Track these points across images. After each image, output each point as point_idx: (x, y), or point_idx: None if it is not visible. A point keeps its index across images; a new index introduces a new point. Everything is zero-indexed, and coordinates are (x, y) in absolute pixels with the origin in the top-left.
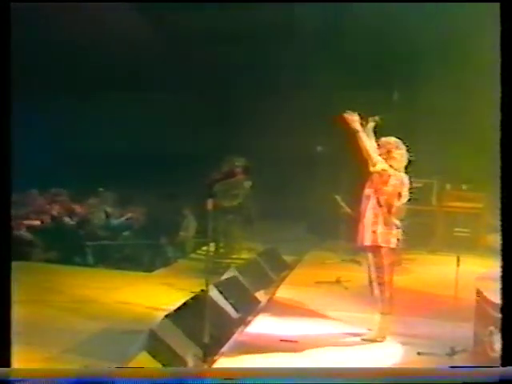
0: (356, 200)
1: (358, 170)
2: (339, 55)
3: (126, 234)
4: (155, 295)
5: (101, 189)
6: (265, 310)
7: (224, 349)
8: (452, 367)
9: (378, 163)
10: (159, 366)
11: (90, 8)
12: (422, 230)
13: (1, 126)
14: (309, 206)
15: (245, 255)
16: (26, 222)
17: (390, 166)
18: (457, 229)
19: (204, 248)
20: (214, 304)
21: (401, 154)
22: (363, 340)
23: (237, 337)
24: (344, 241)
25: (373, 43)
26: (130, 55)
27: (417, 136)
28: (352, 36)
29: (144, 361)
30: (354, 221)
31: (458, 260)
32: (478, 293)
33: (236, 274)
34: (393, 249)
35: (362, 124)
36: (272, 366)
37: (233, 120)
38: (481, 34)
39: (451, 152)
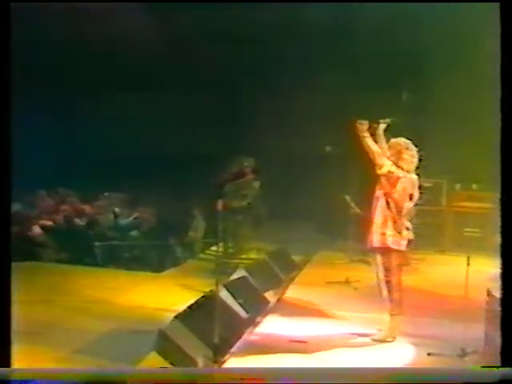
0: (365, 200)
1: (367, 170)
2: (349, 55)
3: (134, 234)
4: (165, 295)
5: (106, 193)
6: (274, 310)
7: (233, 349)
8: (452, 367)
9: (384, 166)
10: (169, 366)
11: (89, 8)
12: (432, 229)
13: (0, 127)
14: (318, 206)
15: (254, 255)
16: (37, 223)
17: (400, 167)
18: (466, 229)
19: (213, 248)
20: (224, 304)
21: (411, 155)
22: (373, 340)
23: (246, 337)
24: (353, 241)
25: (382, 43)
26: (137, 55)
27: (427, 136)
28: (362, 36)
29: (154, 361)
30: (364, 221)
31: (469, 260)
32: (489, 293)
33: (245, 274)
34: (402, 251)
35: (372, 127)
36: (281, 366)
37: (242, 120)
38: (494, 33)
39: (461, 152)
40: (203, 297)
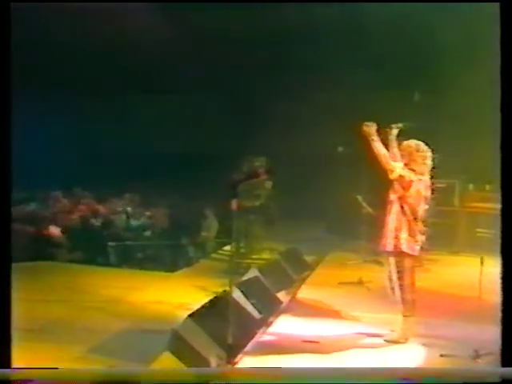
0: (377, 200)
1: (379, 170)
2: (362, 56)
3: (147, 234)
4: (178, 295)
5: (126, 194)
6: (286, 310)
7: (246, 349)
8: (452, 367)
9: (395, 170)
10: (182, 366)
11: (89, 8)
12: (445, 230)
13: (2, 127)
14: (330, 206)
15: (266, 255)
16: (53, 223)
17: (412, 169)
18: (479, 229)
19: (225, 248)
20: (236, 304)
21: (422, 157)
22: (385, 341)
23: (259, 337)
24: (365, 241)
25: (395, 43)
26: (150, 56)
27: (439, 136)
28: (375, 36)
29: (167, 361)
30: (376, 221)
31: (482, 261)
32: None
33: (257, 274)
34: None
35: (384, 132)
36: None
37: (255, 120)
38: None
39: (474, 152)
40: (216, 297)
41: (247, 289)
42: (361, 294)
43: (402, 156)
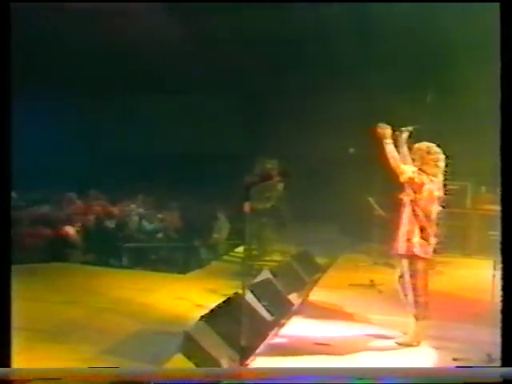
0: (389, 202)
1: (391, 172)
2: (374, 56)
3: (159, 236)
4: (190, 297)
5: (139, 196)
6: (298, 312)
7: (258, 351)
8: (452, 367)
9: (405, 172)
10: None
11: (89, 8)
12: (457, 233)
13: (2, 127)
14: (341, 208)
15: (277, 257)
16: (68, 225)
17: (424, 172)
18: (492, 232)
19: (237, 250)
20: (248, 306)
21: (434, 159)
22: (397, 344)
23: (271, 339)
24: (377, 243)
25: (407, 44)
26: (164, 56)
27: (452, 138)
28: (387, 37)
29: (179, 363)
30: (388, 223)
31: (495, 264)
32: None
33: (269, 276)
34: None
35: (395, 135)
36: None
37: (267, 122)
38: None
39: (486, 154)
40: (228, 299)
41: (259, 291)
42: (372, 296)
43: (414, 159)
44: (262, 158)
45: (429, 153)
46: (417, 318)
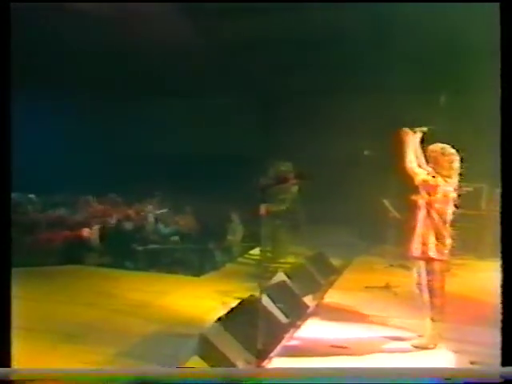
0: (404, 204)
1: (406, 174)
2: (388, 58)
3: (175, 238)
4: (205, 299)
5: (155, 199)
6: (314, 314)
7: (274, 354)
8: (452, 367)
9: (418, 175)
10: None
11: (89, 8)
12: (472, 235)
13: (2, 127)
14: (356, 210)
15: (292, 260)
16: (84, 227)
17: (439, 173)
18: None
19: (251, 252)
20: (264, 309)
21: (449, 161)
22: (414, 346)
23: (286, 342)
24: (392, 246)
25: (422, 46)
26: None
27: (467, 139)
28: (401, 38)
29: (195, 365)
30: (402, 225)
31: None
32: None
33: (284, 278)
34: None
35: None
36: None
37: (281, 123)
38: None
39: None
40: (243, 301)
41: (274, 293)
42: (388, 298)
43: (428, 160)
44: (276, 161)
45: (443, 154)
46: (433, 320)
